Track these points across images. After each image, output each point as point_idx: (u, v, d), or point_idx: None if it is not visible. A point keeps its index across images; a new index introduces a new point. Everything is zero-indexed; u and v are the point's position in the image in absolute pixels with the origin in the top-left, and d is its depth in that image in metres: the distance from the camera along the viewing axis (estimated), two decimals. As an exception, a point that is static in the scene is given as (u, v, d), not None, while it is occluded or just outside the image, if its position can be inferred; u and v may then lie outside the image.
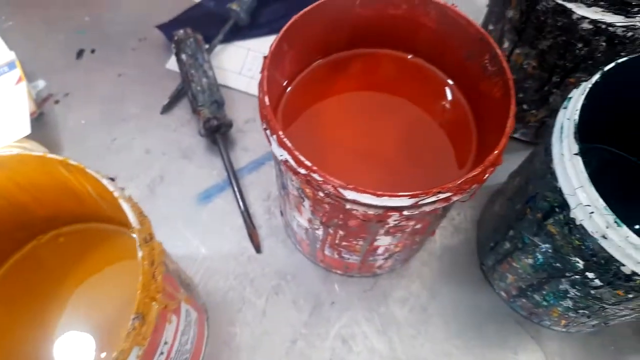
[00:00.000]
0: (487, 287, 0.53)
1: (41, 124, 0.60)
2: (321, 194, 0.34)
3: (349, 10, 0.41)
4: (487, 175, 0.35)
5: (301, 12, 0.39)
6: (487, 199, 0.57)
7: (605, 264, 0.35)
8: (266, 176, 0.58)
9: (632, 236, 0.32)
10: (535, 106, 0.54)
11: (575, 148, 0.34)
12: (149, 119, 0.62)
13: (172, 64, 0.64)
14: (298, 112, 0.43)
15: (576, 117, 0.35)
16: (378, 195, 0.32)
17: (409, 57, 0.46)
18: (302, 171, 0.33)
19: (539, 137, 0.58)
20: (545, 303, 0.46)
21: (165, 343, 0.34)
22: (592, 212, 0.33)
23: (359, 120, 0.44)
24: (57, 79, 0.64)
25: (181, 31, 0.60)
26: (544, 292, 0.44)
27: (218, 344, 0.49)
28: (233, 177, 0.56)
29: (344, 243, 0.43)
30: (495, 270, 0.51)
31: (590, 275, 0.37)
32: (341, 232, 0.41)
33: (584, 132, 0.49)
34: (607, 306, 0.40)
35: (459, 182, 0.32)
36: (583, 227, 0.34)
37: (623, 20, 0.40)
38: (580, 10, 0.41)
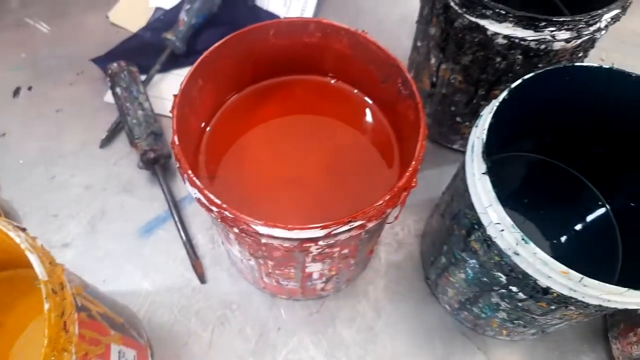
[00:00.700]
0: (433, 300, 0.53)
1: (-22, 166, 0.60)
2: (236, 230, 0.34)
3: (265, 41, 0.42)
4: (401, 199, 0.35)
5: (213, 47, 0.39)
6: (429, 212, 0.57)
7: (524, 279, 0.35)
8: (209, 204, 0.57)
9: (540, 253, 0.32)
10: (468, 119, 0.55)
11: (483, 167, 0.35)
12: (88, 154, 0.61)
13: (110, 96, 0.64)
14: (225, 146, 0.43)
15: (484, 136, 0.36)
16: (289, 229, 0.32)
17: (332, 81, 0.46)
18: (214, 209, 0.33)
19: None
20: (484, 315, 0.46)
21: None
22: (502, 230, 0.34)
23: (287, 149, 0.44)
24: (-6, 119, 0.63)
25: (115, 64, 0.59)
26: (480, 305, 0.45)
27: (163, 380, 0.48)
28: (174, 207, 0.55)
29: (277, 271, 0.43)
30: (438, 284, 0.51)
31: (513, 289, 0.38)
32: (270, 262, 0.41)
33: (512, 143, 0.51)
34: (536, 317, 0.40)
35: (371, 209, 0.33)
36: (497, 244, 0.34)
37: (533, 35, 0.41)
38: (492, 26, 0.42)
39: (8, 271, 0.46)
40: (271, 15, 0.70)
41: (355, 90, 0.45)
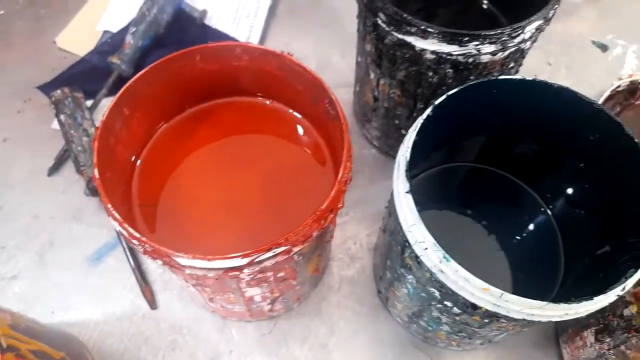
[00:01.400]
0: (386, 314, 0.54)
1: None
2: (160, 262, 0.33)
3: (192, 66, 0.41)
4: (327, 221, 0.35)
5: (136, 76, 0.39)
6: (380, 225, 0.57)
7: (453, 294, 0.35)
8: (159, 228, 0.57)
9: (461, 270, 0.32)
10: (412, 131, 0.55)
11: (406, 186, 0.35)
12: (36, 183, 0.60)
13: (57, 124, 0.63)
14: (160, 174, 0.43)
15: (408, 154, 0.36)
16: (209, 260, 0.32)
17: (268, 102, 0.46)
18: (135, 242, 0.33)
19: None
20: (430, 328, 0.46)
21: None
22: (426, 248, 0.34)
23: (223, 173, 0.44)
24: (-61, 152, 0.62)
25: (58, 91, 0.59)
26: (425, 319, 0.45)
27: (113, 411, 0.48)
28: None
29: (217, 297, 0.43)
30: (388, 298, 0.51)
31: (448, 304, 0.38)
32: (207, 289, 0.40)
33: (452, 154, 0.51)
34: (475, 329, 0.41)
35: (293, 234, 0.33)
36: (423, 262, 0.35)
37: (458, 49, 0.42)
38: (419, 42, 0.42)
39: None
40: (220, 34, 0.70)
41: (291, 110, 0.45)
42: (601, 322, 0.44)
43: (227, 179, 0.44)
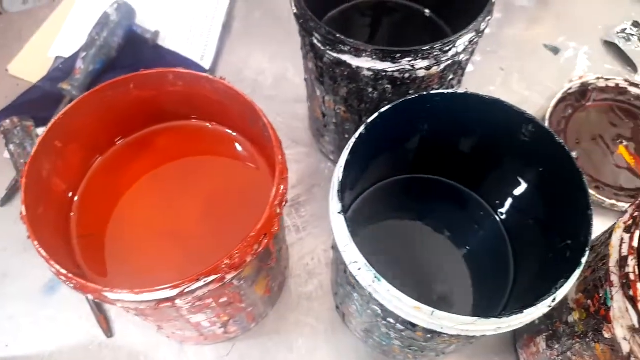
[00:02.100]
0: (345, 329, 0.53)
1: None
2: (90, 297, 0.33)
3: (127, 94, 0.41)
4: (261, 246, 0.35)
5: (66, 108, 0.38)
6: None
7: (392, 312, 0.35)
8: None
9: (392, 289, 0.32)
10: (362, 145, 0.55)
11: (339, 207, 0.35)
12: (-12, 214, 0.59)
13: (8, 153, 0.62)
14: (100, 203, 0.43)
15: (340, 175, 0.36)
16: (136, 293, 0.31)
17: (209, 125, 0.46)
18: (62, 278, 0.32)
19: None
20: (384, 343, 0.46)
21: None
22: (359, 269, 0.34)
23: (164, 200, 0.44)
24: None
25: (7, 121, 0.58)
26: (377, 334, 0.45)
27: None
28: (76, 262, 0.54)
29: (164, 324, 0.42)
30: (344, 313, 0.51)
31: (391, 320, 0.38)
32: (150, 318, 0.40)
33: (402, 167, 0.51)
34: (423, 344, 0.41)
35: (220, 263, 0.32)
36: (359, 281, 0.35)
37: (392, 66, 0.42)
38: (354, 61, 0.43)
39: None
40: (173, 54, 0.70)
41: (231, 132, 0.45)
42: (550, 328, 0.44)
43: (170, 206, 0.43)
